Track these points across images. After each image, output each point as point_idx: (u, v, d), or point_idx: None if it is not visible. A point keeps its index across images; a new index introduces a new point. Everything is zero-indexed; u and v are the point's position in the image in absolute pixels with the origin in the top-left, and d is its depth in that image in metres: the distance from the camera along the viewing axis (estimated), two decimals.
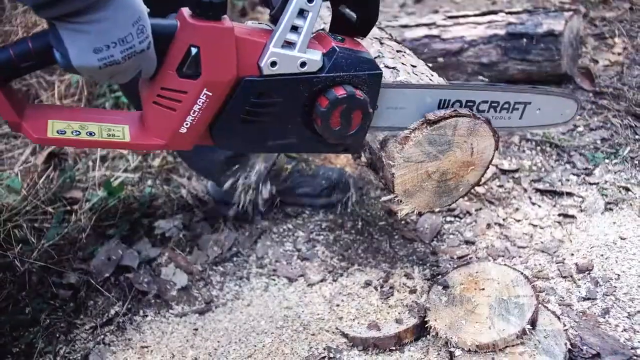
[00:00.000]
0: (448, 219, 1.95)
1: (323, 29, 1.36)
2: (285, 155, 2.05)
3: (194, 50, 1.11)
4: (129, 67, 1.04)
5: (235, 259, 1.88)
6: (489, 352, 1.34)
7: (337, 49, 1.24)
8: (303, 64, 1.20)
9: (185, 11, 1.12)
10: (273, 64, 1.18)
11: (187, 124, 1.19)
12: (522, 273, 1.53)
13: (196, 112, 1.17)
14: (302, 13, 1.16)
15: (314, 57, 1.21)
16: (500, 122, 1.54)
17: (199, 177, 2.15)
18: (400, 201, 1.49)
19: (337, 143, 1.33)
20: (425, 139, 1.39)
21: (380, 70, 1.29)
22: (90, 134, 1.16)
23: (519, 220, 1.88)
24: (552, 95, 1.65)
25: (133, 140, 1.19)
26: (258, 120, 1.25)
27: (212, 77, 1.15)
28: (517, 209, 1.94)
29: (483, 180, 2.01)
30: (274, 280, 1.78)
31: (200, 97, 1.16)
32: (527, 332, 1.35)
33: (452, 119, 1.39)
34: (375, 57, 1.63)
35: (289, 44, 1.18)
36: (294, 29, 1.17)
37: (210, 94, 1.16)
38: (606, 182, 1.98)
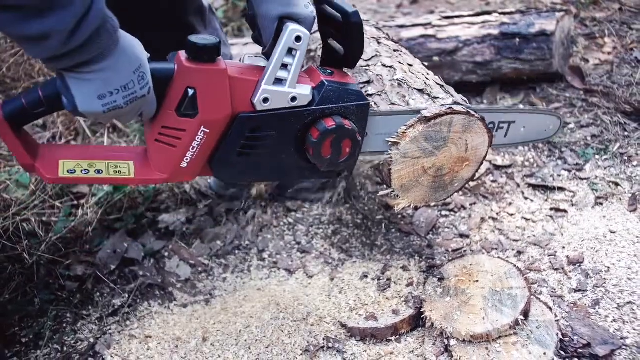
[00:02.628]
0: (443, 213, 1.94)
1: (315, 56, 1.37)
2: None
3: (190, 92, 1.15)
4: (131, 111, 1.09)
5: (237, 251, 1.87)
6: (483, 342, 1.34)
7: (326, 83, 1.27)
8: (294, 99, 1.24)
9: (182, 54, 1.16)
10: (265, 100, 1.22)
11: (187, 159, 1.23)
12: (515, 265, 1.52)
13: (195, 148, 1.22)
14: (290, 52, 1.20)
15: (304, 92, 1.25)
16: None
17: None
18: (397, 196, 1.48)
19: (329, 170, 1.36)
20: (422, 135, 1.38)
21: (368, 100, 1.33)
22: (98, 171, 1.22)
23: (512, 215, 1.87)
24: (535, 113, 1.67)
25: (137, 176, 1.24)
26: (254, 152, 1.29)
27: (209, 116, 1.19)
28: (510, 204, 1.93)
29: (477, 175, 2.01)
30: (274, 272, 1.77)
31: (199, 134, 1.20)
32: (520, 322, 1.35)
33: (448, 116, 1.38)
34: (373, 57, 1.63)
35: (280, 81, 1.22)
36: (284, 66, 1.21)
37: (208, 130, 1.21)
38: (596, 177, 1.97)
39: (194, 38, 1.13)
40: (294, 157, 1.33)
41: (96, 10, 0.93)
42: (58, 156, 1.21)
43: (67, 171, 1.19)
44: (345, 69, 1.39)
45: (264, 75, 1.21)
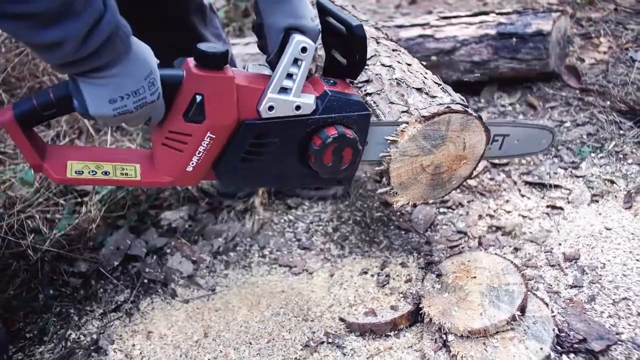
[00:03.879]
0: (441, 210, 1.94)
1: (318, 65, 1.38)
2: None
3: (198, 98, 1.16)
4: (140, 115, 1.10)
5: (238, 248, 1.87)
6: (480, 337, 1.33)
7: (329, 93, 1.29)
8: (298, 107, 1.26)
9: (191, 61, 1.17)
10: (270, 108, 1.23)
11: (192, 163, 1.25)
12: (512, 262, 1.52)
13: (201, 153, 1.24)
14: (296, 62, 1.21)
15: (308, 101, 1.26)
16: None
17: None
18: (396, 193, 1.48)
19: (330, 177, 1.38)
20: (420, 133, 1.38)
21: (369, 111, 1.34)
22: (105, 173, 1.22)
23: (509, 212, 1.87)
24: (529, 127, 1.69)
25: (144, 179, 1.25)
26: (257, 158, 1.30)
27: (215, 122, 1.20)
28: (507, 201, 1.93)
29: (475, 173, 2.00)
30: (275, 268, 1.77)
31: (205, 139, 1.22)
32: (517, 318, 1.35)
33: (446, 115, 1.38)
34: (372, 56, 1.62)
35: (285, 90, 1.23)
36: (289, 76, 1.22)
37: (214, 136, 1.22)
38: (592, 175, 1.97)
39: (202, 46, 1.14)
40: (297, 164, 1.35)
41: (108, 17, 0.94)
42: (66, 157, 1.21)
43: (75, 172, 1.20)
44: (348, 80, 1.40)
45: (270, 83, 1.22)
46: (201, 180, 1.33)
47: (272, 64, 1.25)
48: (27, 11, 0.84)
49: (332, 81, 1.34)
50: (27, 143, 1.13)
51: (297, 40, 1.19)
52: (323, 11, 1.36)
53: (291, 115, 1.26)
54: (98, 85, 1.02)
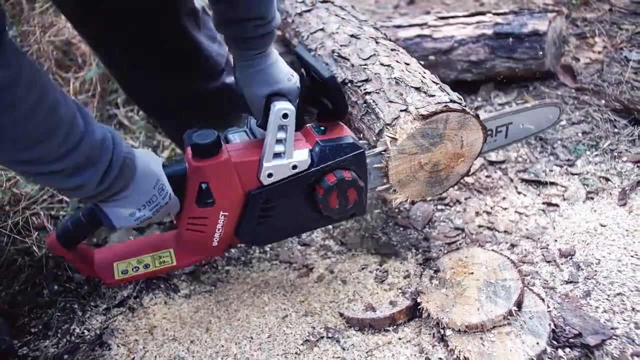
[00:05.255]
0: (439, 207, 1.93)
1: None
2: None
3: (204, 186, 1.25)
4: (160, 216, 1.23)
5: (239, 245, 1.86)
6: (477, 332, 1.33)
7: (321, 143, 1.34)
8: (294, 167, 1.31)
9: (189, 153, 1.25)
10: (269, 175, 1.29)
11: (216, 239, 1.35)
12: (508, 258, 1.51)
13: (220, 229, 1.33)
14: (281, 128, 1.26)
15: (302, 158, 1.31)
16: (487, 146, 1.59)
17: None
18: (395, 190, 1.47)
19: (342, 216, 1.43)
20: (419, 132, 1.38)
21: (362, 148, 1.37)
22: (146, 266, 1.38)
23: (505, 209, 1.87)
24: (530, 110, 1.67)
25: (178, 263, 1.40)
26: (271, 219, 1.37)
27: (224, 201, 1.29)
28: (503, 198, 1.92)
29: (472, 170, 2.00)
30: (275, 265, 1.76)
31: (220, 218, 1.31)
32: (514, 313, 1.34)
33: (444, 114, 1.37)
34: (371, 56, 1.62)
35: (278, 155, 1.28)
36: (279, 141, 1.27)
37: (227, 213, 1.31)
38: (587, 172, 1.97)
39: (195, 137, 1.22)
40: (309, 212, 1.40)
41: (117, 154, 1.06)
42: (111, 259, 1.38)
43: (121, 272, 1.36)
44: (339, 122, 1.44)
45: (263, 154, 1.27)
46: (229, 247, 1.46)
47: (263, 126, 1.31)
48: (58, 168, 0.98)
49: (322, 128, 1.39)
50: (76, 259, 1.32)
51: (277, 109, 1.23)
52: (301, 62, 1.42)
53: (290, 175, 1.31)
54: (117, 206, 1.15)
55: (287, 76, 1.35)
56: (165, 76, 1.64)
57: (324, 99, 1.41)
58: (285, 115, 1.24)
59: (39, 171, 0.98)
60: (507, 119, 1.65)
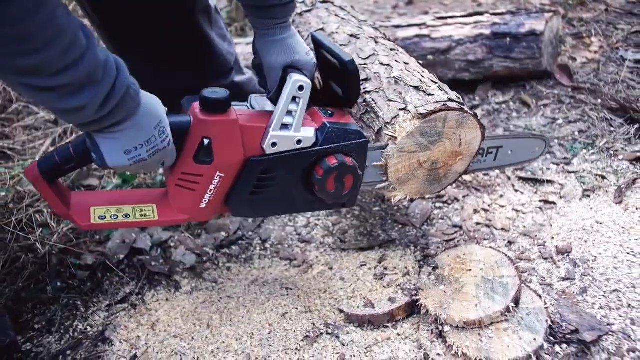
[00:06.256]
0: (437, 204, 1.93)
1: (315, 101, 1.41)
2: None
3: (206, 142, 1.21)
4: (154, 161, 1.16)
5: (240, 242, 1.86)
6: (475, 328, 1.33)
7: (328, 125, 1.31)
8: (299, 142, 1.28)
9: (196, 106, 1.21)
10: (273, 144, 1.26)
11: (205, 201, 1.29)
12: (506, 255, 1.51)
13: (212, 191, 1.28)
14: (294, 99, 1.23)
15: (308, 135, 1.29)
16: (476, 165, 1.60)
17: None
18: (394, 188, 1.47)
19: (335, 202, 1.40)
20: (418, 130, 1.37)
21: (366, 138, 1.35)
22: (126, 215, 1.27)
23: (503, 206, 1.86)
24: (522, 138, 1.72)
25: (161, 218, 1.30)
26: (266, 191, 1.33)
27: (224, 162, 1.24)
28: (501, 196, 1.92)
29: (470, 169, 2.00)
30: (276, 261, 1.76)
31: (215, 178, 1.26)
32: (511, 309, 1.34)
33: (443, 113, 1.37)
34: (371, 55, 1.61)
35: (286, 126, 1.26)
36: (289, 113, 1.24)
37: (223, 175, 1.26)
38: (584, 170, 1.96)
39: (206, 92, 1.19)
40: (303, 192, 1.37)
41: (122, 79, 1.00)
42: (89, 203, 1.27)
43: (98, 217, 1.25)
44: (345, 110, 1.42)
45: (271, 122, 1.25)
46: (215, 214, 1.37)
47: (274, 100, 1.29)
48: (58, 84, 0.92)
49: (329, 112, 1.37)
50: (53, 195, 1.19)
51: (294, 80, 1.21)
52: (318, 45, 1.39)
53: (293, 149, 1.29)
54: (114, 139, 1.07)
55: (305, 50, 1.33)
56: (176, 73, 1.64)
57: (335, 85, 1.39)
58: (301, 88, 1.22)
59: (39, 85, 0.92)
60: (499, 142, 1.67)
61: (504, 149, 1.68)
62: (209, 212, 1.32)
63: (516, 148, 1.71)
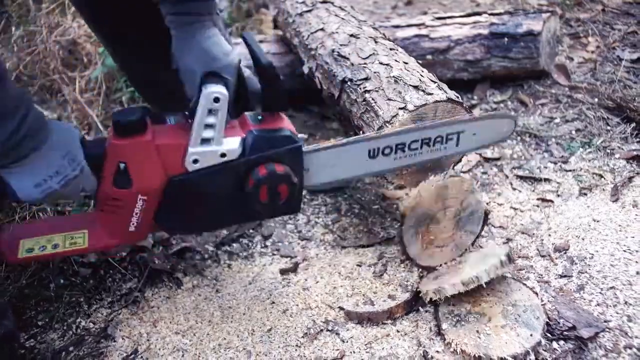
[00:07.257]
0: None
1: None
2: None
3: (122, 166, 1.14)
4: (69, 191, 1.11)
5: (241, 239, 1.85)
6: (473, 321, 1.33)
7: (255, 132, 1.22)
8: (223, 155, 1.19)
9: (111, 130, 1.14)
10: (195, 161, 1.18)
11: (133, 224, 1.22)
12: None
13: (138, 214, 1.20)
14: (211, 112, 1.14)
15: (233, 147, 1.20)
16: (437, 153, 1.47)
17: None
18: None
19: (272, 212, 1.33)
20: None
21: (299, 142, 1.25)
22: (55, 246, 1.22)
23: (501, 204, 1.86)
24: (483, 119, 1.53)
25: (90, 245, 1.24)
26: (197, 208, 1.25)
27: (143, 185, 1.17)
28: (499, 194, 1.91)
29: (468, 167, 2.00)
30: (276, 259, 1.76)
31: (138, 202, 1.18)
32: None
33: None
34: (371, 55, 1.61)
35: (207, 140, 1.17)
36: (209, 126, 1.16)
37: (145, 197, 1.19)
38: (581, 169, 1.96)
39: (117, 116, 1.13)
40: (236, 205, 1.28)
41: (30, 116, 0.98)
42: (19, 236, 1.23)
43: (26, 251, 1.20)
44: (280, 113, 1.31)
45: (190, 138, 1.17)
46: (149, 233, 1.31)
47: (193, 113, 1.17)
48: None
49: (259, 117, 1.26)
50: None
51: (208, 92, 1.13)
52: (248, 46, 1.29)
53: (218, 164, 1.20)
54: (21, 174, 1.05)
55: (224, 51, 1.25)
56: (175, 72, 1.63)
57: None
58: (216, 99, 1.13)
59: None
60: (459, 126, 1.53)
61: (466, 134, 1.52)
62: (140, 233, 1.26)
63: (480, 130, 1.55)
